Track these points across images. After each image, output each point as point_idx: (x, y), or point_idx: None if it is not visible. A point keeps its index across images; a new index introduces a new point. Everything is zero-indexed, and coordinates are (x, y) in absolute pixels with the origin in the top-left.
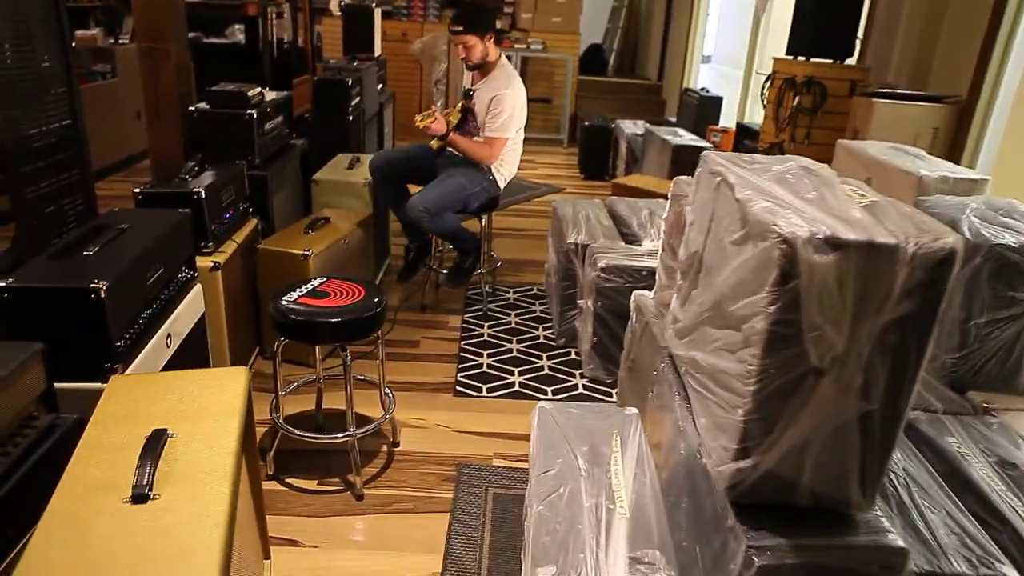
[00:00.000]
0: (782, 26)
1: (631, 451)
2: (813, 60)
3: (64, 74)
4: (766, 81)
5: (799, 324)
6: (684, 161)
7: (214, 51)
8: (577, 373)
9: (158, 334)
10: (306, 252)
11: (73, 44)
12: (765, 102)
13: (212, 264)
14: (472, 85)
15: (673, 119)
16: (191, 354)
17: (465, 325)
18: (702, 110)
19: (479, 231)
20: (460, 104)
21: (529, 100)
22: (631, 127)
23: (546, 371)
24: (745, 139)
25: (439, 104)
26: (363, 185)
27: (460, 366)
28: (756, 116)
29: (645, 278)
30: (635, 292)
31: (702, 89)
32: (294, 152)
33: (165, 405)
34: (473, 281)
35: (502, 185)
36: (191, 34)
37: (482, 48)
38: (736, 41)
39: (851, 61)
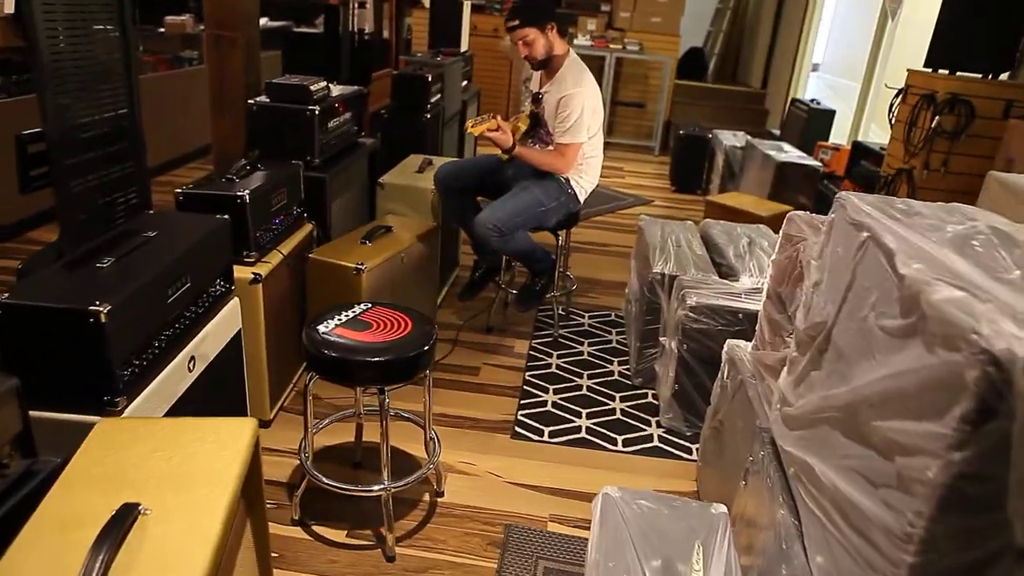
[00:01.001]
0: (913, 33)
1: (717, 568)
2: (959, 74)
3: (123, 60)
4: (896, 96)
5: (1000, 484)
6: (788, 180)
7: (305, 41)
8: (653, 421)
9: (178, 358)
10: (359, 266)
11: (162, 29)
12: (893, 120)
13: (253, 276)
14: (540, 88)
15: (777, 131)
16: (221, 377)
17: (532, 353)
18: (811, 124)
19: (555, 249)
20: (528, 110)
21: (621, 103)
22: (730, 138)
23: (618, 415)
24: (862, 160)
25: (527, 102)
26: (431, 192)
27: (522, 401)
28: (872, 134)
29: (740, 322)
30: (729, 341)
31: (812, 100)
32: (361, 152)
33: (148, 465)
34: (545, 302)
35: (582, 198)
36: (281, 22)
37: (544, 42)
38: (850, 49)
39: (1004, 77)
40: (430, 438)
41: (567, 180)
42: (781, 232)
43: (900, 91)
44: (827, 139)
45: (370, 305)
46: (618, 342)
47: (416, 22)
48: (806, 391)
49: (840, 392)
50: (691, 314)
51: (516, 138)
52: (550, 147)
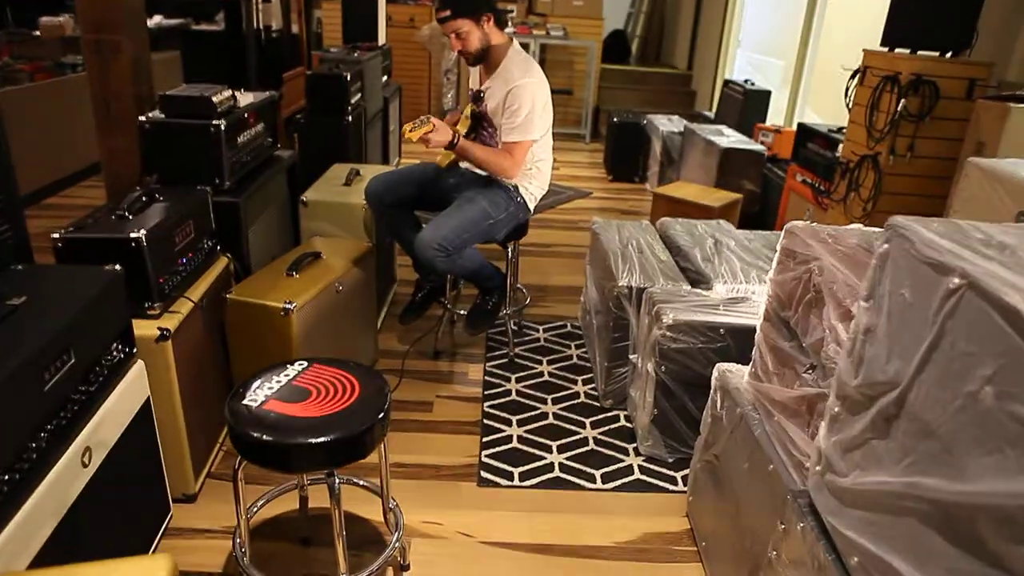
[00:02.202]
0: (841, 10)
1: None
2: (920, 53)
3: None
4: (852, 78)
5: None
6: (734, 166)
7: (205, 41)
8: (630, 448)
9: (68, 454)
10: (287, 305)
11: (37, 32)
12: (850, 104)
13: (159, 332)
14: (480, 85)
15: (707, 112)
16: (128, 460)
17: (488, 379)
18: (747, 105)
19: (505, 263)
20: (468, 109)
21: (551, 92)
22: (666, 124)
23: (591, 444)
24: (808, 142)
25: (449, 96)
26: (362, 207)
27: (485, 439)
28: (807, 114)
29: (722, 337)
30: (719, 366)
31: (746, 81)
32: (278, 166)
33: None
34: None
35: (532, 206)
36: (177, 20)
37: (480, 34)
38: (771, 26)
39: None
40: (390, 508)
41: (515, 188)
42: (780, 246)
43: (856, 72)
44: (764, 121)
45: (306, 364)
46: (579, 357)
47: (327, 15)
48: (867, 463)
49: (940, 486)
50: (668, 333)
51: (456, 137)
52: (499, 147)
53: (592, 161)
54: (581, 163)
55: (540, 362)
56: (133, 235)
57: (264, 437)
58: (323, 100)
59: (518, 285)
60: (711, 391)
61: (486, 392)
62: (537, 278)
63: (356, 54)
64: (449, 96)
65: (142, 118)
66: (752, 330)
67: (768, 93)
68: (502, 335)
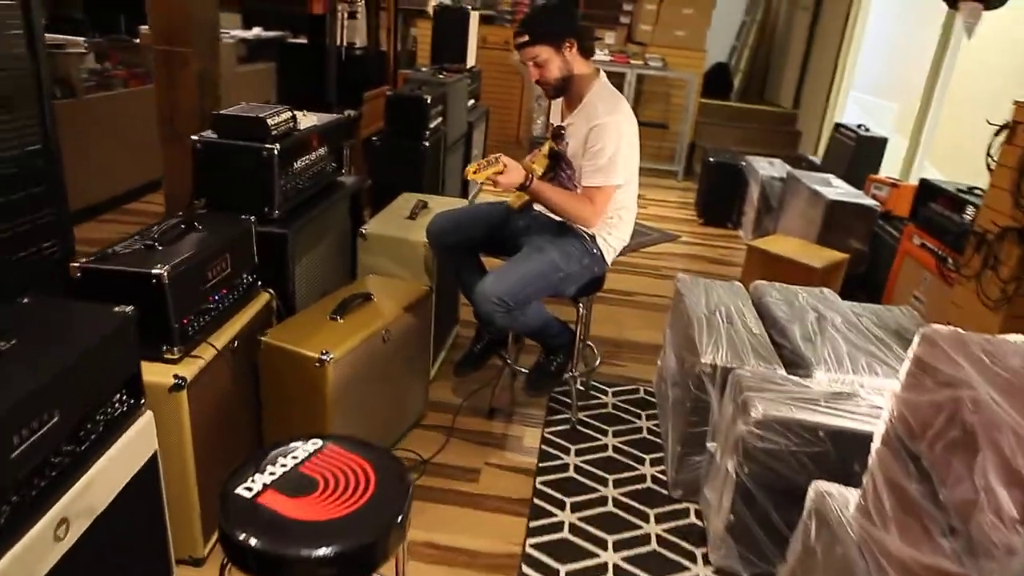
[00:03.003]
0: (982, 51)
1: None
2: None
3: (32, 85)
4: (999, 133)
5: None
6: (841, 222)
7: (298, 55)
8: (699, 554)
9: (34, 531)
10: (323, 356)
11: (137, 40)
12: (992, 164)
13: (174, 382)
14: (562, 120)
15: (813, 157)
16: (125, 523)
17: (545, 448)
18: (860, 153)
19: (575, 320)
20: (547, 147)
21: (642, 124)
22: (767, 168)
23: (653, 543)
24: (931, 201)
25: (539, 122)
26: (424, 245)
27: (532, 524)
28: (926, 170)
29: (820, 441)
30: (817, 485)
31: (859, 126)
32: (340, 194)
33: None
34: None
35: (609, 259)
36: (276, 32)
37: (560, 63)
38: (890, 66)
39: None
40: None
41: (592, 238)
42: (912, 353)
43: (1003, 127)
44: (878, 172)
45: (320, 444)
46: (650, 431)
47: (422, 34)
48: None
49: None
50: (756, 430)
51: (531, 178)
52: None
53: (683, 201)
54: (670, 203)
55: (605, 433)
56: (155, 271)
57: (253, 542)
58: (401, 123)
59: (588, 342)
60: (805, 513)
61: (541, 464)
62: (611, 330)
63: (442, 75)
64: (539, 122)
65: (194, 137)
66: (858, 437)
67: (884, 141)
68: (565, 395)
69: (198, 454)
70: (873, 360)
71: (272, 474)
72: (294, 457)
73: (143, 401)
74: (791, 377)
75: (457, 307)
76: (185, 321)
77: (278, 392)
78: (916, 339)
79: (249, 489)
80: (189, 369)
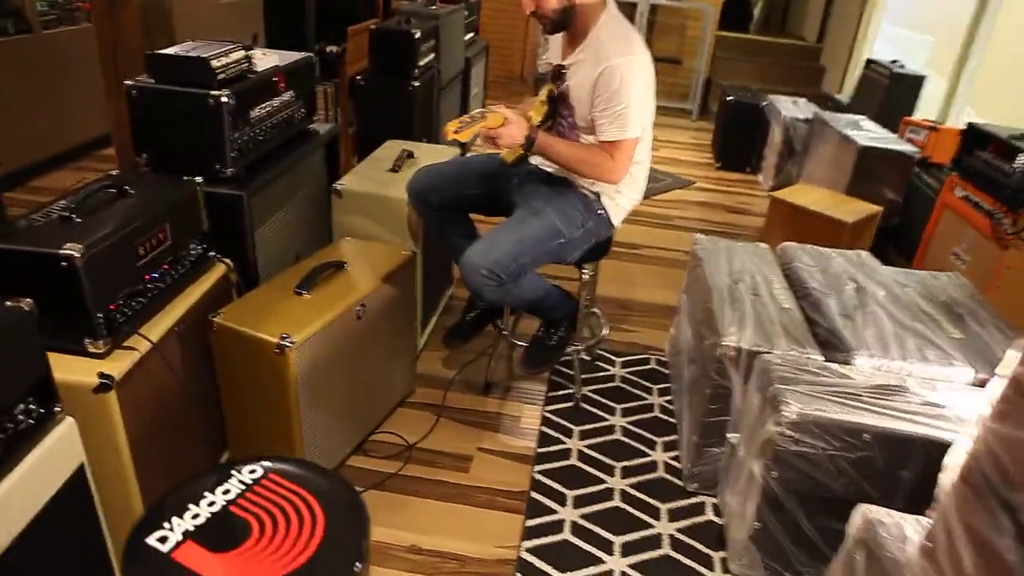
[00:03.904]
0: None
1: None
2: None
3: None
4: None
5: None
6: (874, 170)
7: None
8: (717, 559)
9: None
10: (284, 341)
11: None
12: None
13: (99, 382)
14: (563, 58)
15: (838, 96)
16: (51, 547)
17: (545, 429)
18: (894, 93)
19: (578, 289)
20: (545, 91)
21: (655, 60)
22: (791, 108)
23: (666, 547)
24: (978, 149)
25: (544, 57)
26: (407, 203)
27: (529, 522)
28: (964, 114)
29: (865, 446)
30: (864, 510)
31: (893, 62)
32: (313, 143)
33: None
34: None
35: (617, 221)
36: None
37: None
38: None
39: None
40: None
41: (597, 196)
42: (1009, 371)
43: None
44: (913, 113)
45: (259, 473)
46: (662, 408)
47: None
48: None
49: None
50: (789, 432)
51: (532, 131)
52: (580, 141)
53: (697, 143)
54: (684, 145)
55: (612, 411)
56: (65, 252)
57: None
58: (387, 60)
59: (593, 309)
60: (849, 541)
61: (540, 450)
62: (617, 290)
63: (435, 6)
64: (544, 58)
65: (128, 82)
66: (908, 441)
67: (921, 79)
68: (569, 367)
69: (140, 460)
70: (923, 343)
71: (195, 517)
72: (225, 492)
73: (57, 408)
74: (829, 365)
75: (450, 266)
76: (112, 307)
77: (235, 380)
78: (1013, 354)
79: (163, 540)
80: (119, 364)
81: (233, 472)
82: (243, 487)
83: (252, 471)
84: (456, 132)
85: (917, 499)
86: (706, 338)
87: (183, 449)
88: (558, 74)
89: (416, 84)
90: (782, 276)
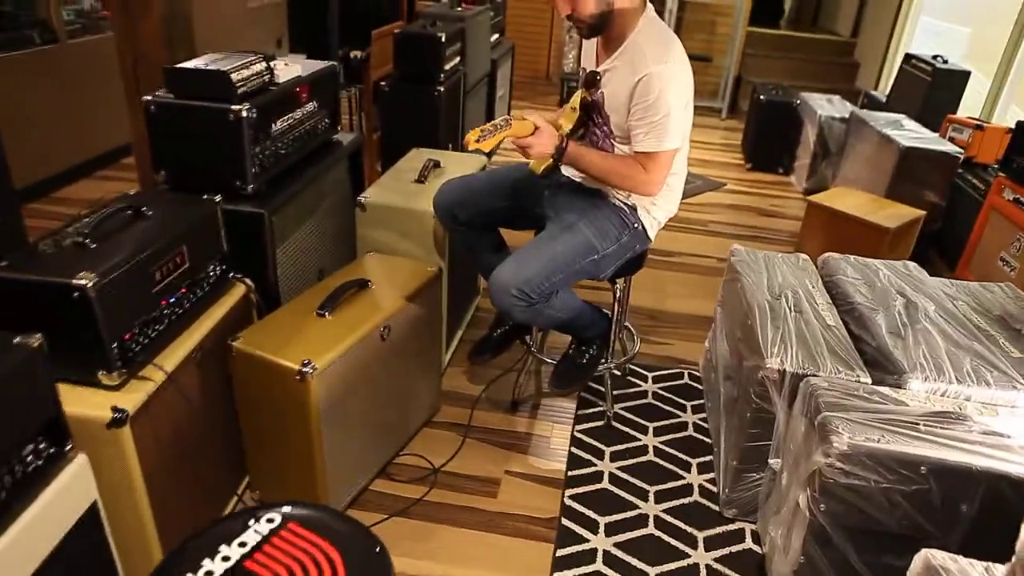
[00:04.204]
0: None
1: None
2: None
3: None
4: None
5: None
6: (916, 172)
7: None
8: None
9: None
10: (305, 367)
11: None
12: None
13: (113, 416)
14: (598, 64)
15: (876, 93)
16: None
17: (575, 450)
18: (936, 90)
19: (611, 305)
20: (577, 97)
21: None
22: (825, 107)
23: None
24: None
25: (571, 56)
26: (433, 216)
27: (559, 550)
28: (1010, 111)
29: (922, 479)
30: (928, 556)
31: (935, 57)
32: (336, 154)
33: None
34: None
35: (653, 234)
36: None
37: None
38: None
39: None
40: None
41: (632, 209)
42: None
43: None
44: (956, 111)
45: (278, 522)
46: (696, 427)
47: None
48: None
49: None
50: (839, 464)
51: (564, 143)
52: (614, 151)
53: (727, 143)
54: (713, 145)
55: (644, 430)
56: (76, 283)
57: None
58: (412, 65)
59: (626, 324)
60: None
61: (570, 472)
62: (649, 299)
63: (460, 8)
64: (571, 57)
65: (146, 97)
66: (969, 474)
67: (967, 75)
68: (600, 383)
69: (156, 493)
70: (981, 363)
71: (208, 574)
72: (241, 545)
73: (69, 447)
74: (880, 389)
75: (476, 278)
76: (127, 337)
77: (255, 406)
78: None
79: None
80: (133, 397)
81: (250, 523)
82: (260, 538)
83: (270, 520)
84: (478, 141)
85: (979, 536)
86: (747, 359)
87: (201, 478)
88: (592, 80)
89: (442, 89)
90: (825, 290)
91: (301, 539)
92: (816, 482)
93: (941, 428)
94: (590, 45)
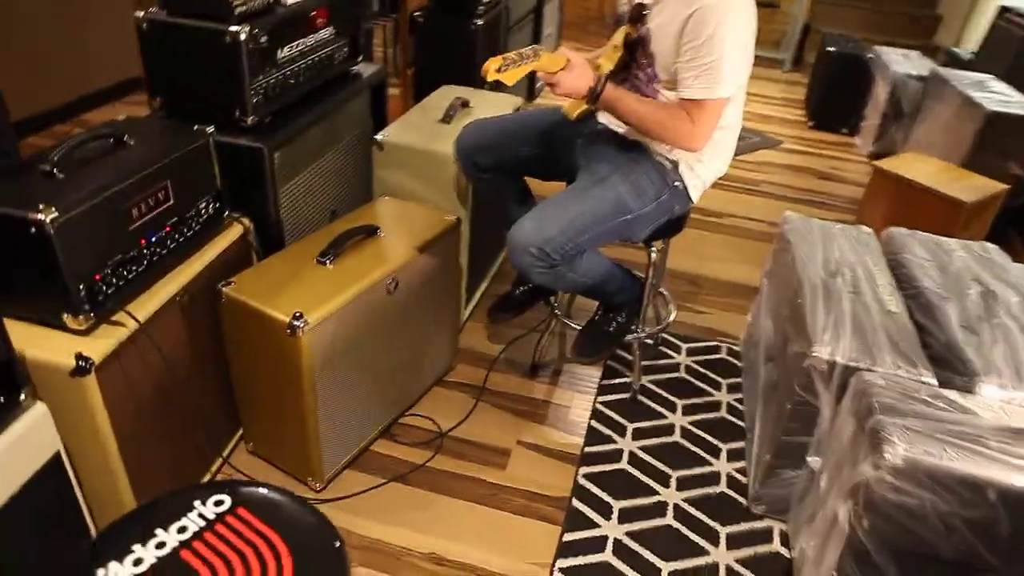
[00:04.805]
0: None
1: None
2: None
3: None
4: None
5: None
6: (1001, 140)
7: None
8: None
9: None
10: (296, 321)
11: None
12: None
13: (77, 363)
14: None
15: (959, 50)
16: (23, 543)
17: (595, 423)
18: None
19: (645, 269)
20: (621, 34)
21: None
22: (900, 62)
23: None
24: None
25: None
26: (455, 160)
27: (567, 535)
28: None
29: (989, 505)
30: None
31: None
32: (352, 89)
33: None
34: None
35: (696, 195)
36: None
37: None
38: None
39: None
40: None
41: (675, 164)
42: None
43: None
44: None
45: (229, 503)
46: (731, 408)
47: None
48: None
49: None
50: (890, 479)
51: (601, 81)
52: (662, 96)
53: (789, 98)
54: (774, 99)
55: (673, 407)
56: (34, 217)
57: None
58: None
59: (660, 290)
60: None
61: (587, 448)
62: (689, 263)
63: None
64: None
65: (139, 13)
66: None
67: None
68: (628, 351)
69: (131, 447)
70: None
71: (137, 564)
72: (180, 530)
73: (22, 397)
74: (945, 393)
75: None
76: (98, 277)
77: (246, 357)
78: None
79: None
80: (101, 344)
81: (196, 503)
82: (203, 524)
83: (219, 502)
84: (499, 71)
85: None
86: (792, 342)
87: (186, 430)
88: (638, 14)
89: (479, 23)
90: (888, 270)
91: (248, 528)
92: (861, 495)
93: (1017, 447)
94: None
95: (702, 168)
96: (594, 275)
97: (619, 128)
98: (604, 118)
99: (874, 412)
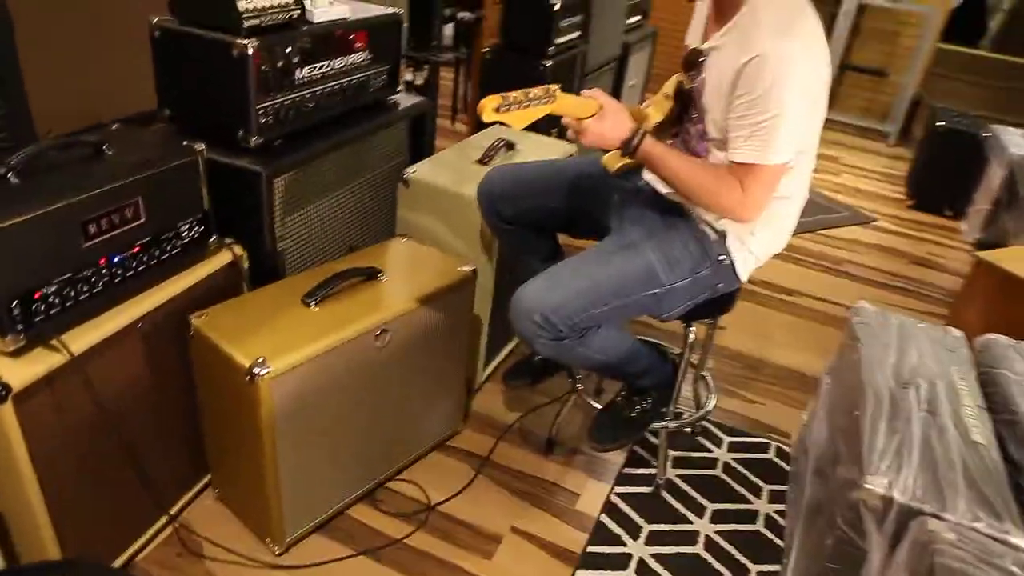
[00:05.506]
0: None
1: None
2: None
3: None
4: None
5: None
6: None
7: None
8: None
9: None
10: (257, 368)
11: None
12: None
13: None
14: (704, 40)
15: None
16: None
17: (606, 519)
18: None
19: (682, 350)
20: (673, 82)
21: (851, 68)
22: (1020, 144)
23: None
24: None
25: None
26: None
27: None
28: None
29: None
30: None
31: None
32: (386, 118)
33: None
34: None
35: (746, 273)
36: None
37: None
38: None
39: None
40: None
41: (722, 236)
42: None
43: None
44: None
45: None
46: (768, 522)
47: None
48: None
49: None
50: None
51: (640, 131)
52: (711, 156)
53: (890, 173)
54: (873, 173)
55: (701, 511)
56: None
57: None
58: (518, 32)
59: (703, 372)
60: None
61: (590, 548)
62: (748, 343)
63: None
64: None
65: (152, 19)
66: None
67: None
68: (655, 436)
69: (59, 485)
70: None
71: None
72: None
73: None
74: None
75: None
76: (37, 295)
77: (214, 398)
78: None
79: None
80: (27, 370)
81: None
82: None
83: None
84: (498, 111)
85: None
86: (842, 464)
87: (137, 471)
88: (693, 61)
89: (548, 63)
90: (979, 387)
91: None
92: None
93: None
94: (701, 14)
95: (754, 242)
96: (612, 353)
97: (664, 188)
98: (649, 175)
99: (937, 569)
